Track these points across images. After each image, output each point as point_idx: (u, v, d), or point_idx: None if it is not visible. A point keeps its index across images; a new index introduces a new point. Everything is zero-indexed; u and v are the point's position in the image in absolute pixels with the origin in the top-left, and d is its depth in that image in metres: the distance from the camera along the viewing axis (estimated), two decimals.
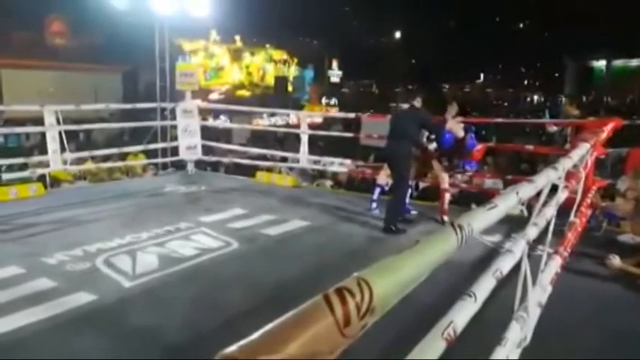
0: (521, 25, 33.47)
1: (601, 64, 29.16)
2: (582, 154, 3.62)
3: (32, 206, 5.98)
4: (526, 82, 37.85)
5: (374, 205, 6.18)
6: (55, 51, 19.55)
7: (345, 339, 0.72)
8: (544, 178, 2.49)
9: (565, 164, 2.91)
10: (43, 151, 7.16)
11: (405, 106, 5.90)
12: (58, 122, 6.84)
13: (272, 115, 20.95)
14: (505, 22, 32.55)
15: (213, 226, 5.28)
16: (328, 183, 8.61)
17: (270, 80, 25.36)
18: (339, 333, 0.71)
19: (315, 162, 8.62)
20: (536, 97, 36.24)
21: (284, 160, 9.49)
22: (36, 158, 7.38)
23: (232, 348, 0.61)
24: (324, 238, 5.13)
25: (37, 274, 3.90)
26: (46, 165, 7.00)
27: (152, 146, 8.41)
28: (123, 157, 8.63)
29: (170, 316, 3.33)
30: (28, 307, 3.34)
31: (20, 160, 7.46)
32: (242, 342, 0.62)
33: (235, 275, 4.07)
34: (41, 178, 7.24)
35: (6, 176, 7.09)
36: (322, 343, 0.68)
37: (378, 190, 6.34)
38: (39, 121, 7.13)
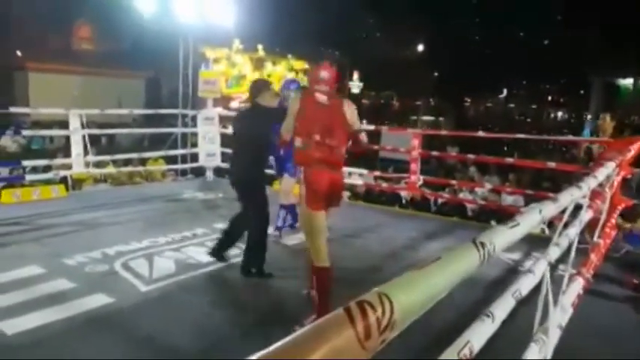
0: (546, 42, 33.16)
1: (628, 82, 28.67)
2: (608, 173, 3.55)
3: (54, 207, 6.09)
4: (550, 98, 37.43)
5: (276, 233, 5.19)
6: (81, 56, 20.02)
7: (366, 352, 0.73)
8: (568, 197, 2.44)
9: (590, 183, 2.85)
10: (67, 153, 7.31)
11: (247, 105, 4.48)
12: (83, 126, 6.98)
13: None
14: (530, 38, 32.30)
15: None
16: (345, 194, 8.60)
17: None
18: (359, 346, 0.71)
19: None
20: (560, 114, 35.78)
21: None
22: (59, 160, 7.53)
23: (253, 357, 0.61)
24: (340, 250, 5.07)
25: (57, 274, 3.96)
26: (69, 167, 7.13)
27: (172, 152, 8.52)
28: (143, 161, 8.75)
29: (185, 322, 3.34)
30: (47, 307, 3.39)
31: (44, 162, 7.62)
32: (264, 351, 0.63)
33: (250, 283, 4.07)
34: (63, 180, 7.37)
35: (30, 177, 7.25)
36: (343, 355, 0.68)
37: (282, 214, 5.28)
38: (64, 124, 7.28)
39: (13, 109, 10.26)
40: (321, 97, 3.26)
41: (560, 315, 2.94)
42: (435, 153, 7.52)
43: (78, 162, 6.99)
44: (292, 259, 4.72)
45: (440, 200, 7.58)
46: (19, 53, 18.83)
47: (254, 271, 4.15)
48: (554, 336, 2.69)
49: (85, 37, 21.02)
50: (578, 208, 2.95)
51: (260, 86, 4.26)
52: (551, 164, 6.44)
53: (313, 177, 3.21)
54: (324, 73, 3.31)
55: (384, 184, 8.09)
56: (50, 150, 11.31)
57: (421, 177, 6.94)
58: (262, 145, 4.11)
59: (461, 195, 7.67)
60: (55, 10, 17.28)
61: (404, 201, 7.96)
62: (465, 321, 1.77)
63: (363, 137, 3.44)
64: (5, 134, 9.69)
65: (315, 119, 3.21)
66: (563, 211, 2.52)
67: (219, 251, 4.40)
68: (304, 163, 3.26)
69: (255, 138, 4.07)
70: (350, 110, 3.32)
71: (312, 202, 3.21)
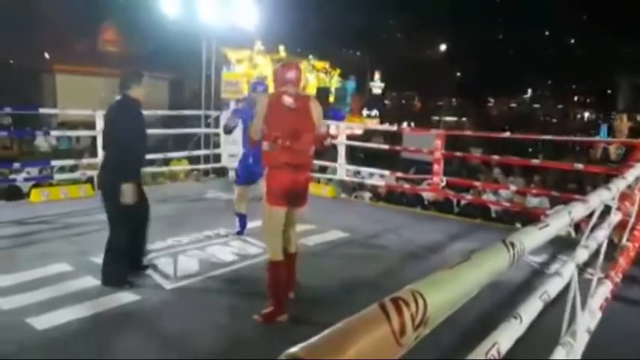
0: (572, 40, 32.53)
1: None
2: (637, 174, 3.47)
3: (81, 206, 6.21)
4: (576, 98, 36.73)
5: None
6: (106, 58, 20.37)
7: (401, 348, 0.75)
8: (596, 199, 2.40)
9: (619, 185, 2.79)
10: (93, 153, 7.46)
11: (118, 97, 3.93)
12: None
13: None
14: (555, 37, 31.72)
15: (251, 233, 5.33)
16: (367, 195, 8.57)
17: (311, 90, 25.65)
18: (395, 341, 0.73)
19: (355, 173, 8.62)
20: (587, 114, 35.09)
21: (323, 170, 9.53)
22: (86, 160, 7.69)
23: (295, 349, 0.63)
24: (363, 250, 5.10)
25: (85, 272, 4.04)
26: (95, 167, 7.27)
27: (195, 153, 8.62)
28: (167, 162, 8.88)
29: (210, 319, 3.38)
30: (75, 304, 3.47)
31: (71, 162, 7.80)
32: (305, 343, 0.65)
33: None
34: (90, 180, 7.52)
35: (58, 177, 7.43)
36: (379, 350, 0.70)
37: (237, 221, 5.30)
38: (88, 124, 7.43)
39: (42, 111, 10.54)
40: (288, 100, 3.31)
41: (589, 319, 2.89)
42: (458, 154, 7.45)
43: None
44: (315, 259, 4.74)
45: (463, 202, 7.50)
46: (46, 55, 19.28)
47: (114, 281, 3.77)
48: (581, 340, 2.64)
49: (110, 40, 21.41)
50: (606, 210, 2.90)
51: (128, 78, 3.82)
52: (579, 165, 6.31)
53: (275, 178, 3.32)
54: (291, 74, 3.40)
55: (406, 185, 8.05)
56: (77, 150, 11.55)
57: (444, 178, 6.89)
58: (124, 142, 3.68)
59: (484, 196, 7.58)
60: (81, 13, 17.66)
61: (426, 202, 7.90)
62: (491, 322, 1.76)
63: (328, 142, 3.69)
64: (37, 135, 9.93)
65: (282, 123, 3.29)
66: (590, 214, 2.48)
67: (134, 264, 4.03)
68: (269, 165, 3.36)
69: (117, 133, 3.72)
70: (317, 112, 3.44)
71: (272, 198, 3.35)
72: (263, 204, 3.41)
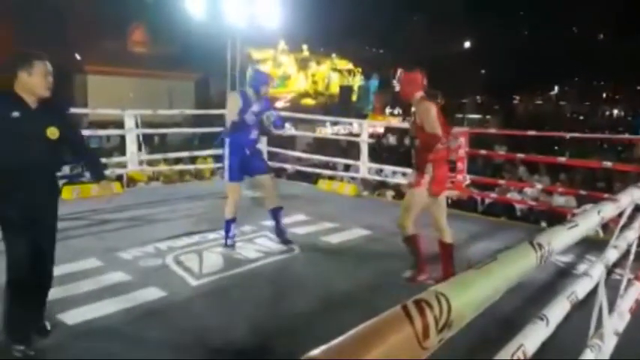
0: (601, 36, 31.68)
1: None
2: None
3: (110, 204, 6.34)
4: (605, 95, 35.77)
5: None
6: (135, 59, 20.75)
7: (424, 351, 0.74)
8: (627, 198, 2.35)
9: None
10: (122, 152, 7.61)
11: None
12: (137, 126, 7.25)
13: (335, 123, 21.15)
14: (583, 33, 30.96)
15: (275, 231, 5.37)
16: (389, 193, 8.54)
17: (334, 89, 25.61)
18: (418, 344, 0.72)
19: (377, 171, 8.59)
20: (615, 112, 34.15)
21: (346, 168, 9.53)
22: (115, 159, 7.86)
23: (316, 351, 0.63)
24: (386, 248, 5.07)
25: (114, 267, 4.14)
26: (124, 165, 7.43)
27: (221, 151, 8.70)
28: (193, 160, 9.00)
29: (234, 316, 3.42)
30: (104, 299, 3.56)
31: (101, 160, 7.97)
32: (325, 346, 0.65)
33: (297, 280, 4.13)
34: (119, 178, 7.69)
35: (89, 175, 7.60)
36: (402, 353, 0.69)
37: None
38: (118, 123, 7.58)
39: (73, 110, 10.80)
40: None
41: (617, 321, 2.83)
42: (482, 152, 7.36)
43: (132, 160, 7.27)
44: (337, 257, 4.75)
45: (487, 200, 7.41)
46: (78, 57, 19.72)
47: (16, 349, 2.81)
48: (609, 342, 2.59)
49: (139, 41, 21.79)
50: (637, 209, 2.84)
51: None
52: (607, 164, 6.16)
53: (442, 171, 4.07)
54: (425, 79, 4.24)
55: None
56: (107, 149, 11.81)
57: (468, 176, 6.81)
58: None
59: (509, 195, 7.47)
60: (111, 15, 18.04)
61: (449, 201, 7.82)
62: (515, 323, 1.74)
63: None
64: None
65: (442, 125, 4.01)
66: (620, 213, 2.44)
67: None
68: (438, 161, 4.01)
69: None
70: None
71: (438, 189, 4.05)
72: (419, 192, 4.02)
